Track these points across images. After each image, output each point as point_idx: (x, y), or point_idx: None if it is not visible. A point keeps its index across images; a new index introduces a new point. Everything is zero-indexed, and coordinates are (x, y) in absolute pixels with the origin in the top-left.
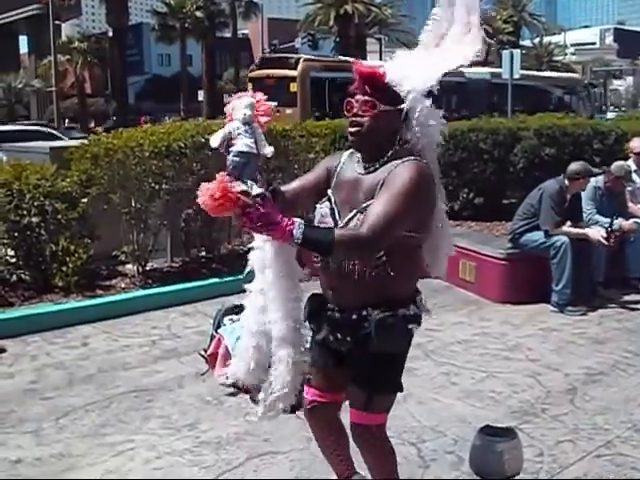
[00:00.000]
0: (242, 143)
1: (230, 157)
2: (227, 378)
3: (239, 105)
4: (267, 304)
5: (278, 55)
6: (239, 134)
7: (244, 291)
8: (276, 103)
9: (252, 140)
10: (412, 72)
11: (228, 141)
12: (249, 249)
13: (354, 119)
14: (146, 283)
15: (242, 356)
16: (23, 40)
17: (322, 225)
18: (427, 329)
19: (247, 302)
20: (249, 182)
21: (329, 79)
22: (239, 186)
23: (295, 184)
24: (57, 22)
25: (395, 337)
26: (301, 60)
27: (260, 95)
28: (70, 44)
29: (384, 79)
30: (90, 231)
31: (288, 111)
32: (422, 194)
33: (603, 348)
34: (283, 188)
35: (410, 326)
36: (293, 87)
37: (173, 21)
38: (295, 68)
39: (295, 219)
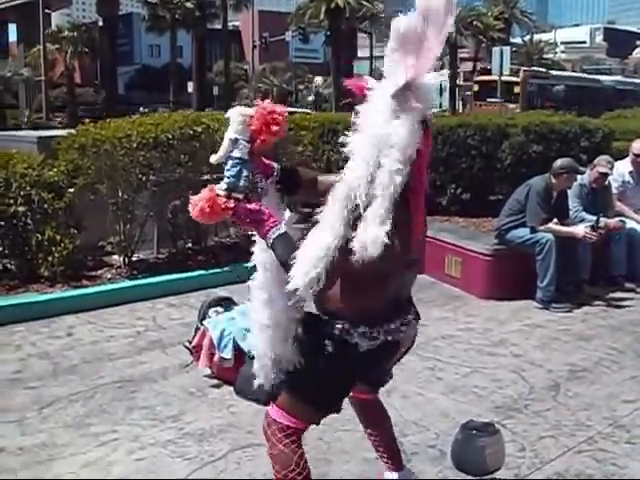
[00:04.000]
0: (236, 151)
1: (226, 166)
2: (212, 373)
3: (233, 117)
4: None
5: None
6: (234, 144)
7: (230, 283)
8: (503, 99)
9: (244, 148)
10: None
11: (229, 154)
12: (235, 242)
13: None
14: (132, 274)
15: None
16: (12, 28)
17: None
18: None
19: (252, 296)
20: (222, 183)
21: (537, 84)
22: (224, 197)
23: (324, 178)
24: (47, 11)
25: (304, 342)
26: (522, 70)
27: (271, 106)
28: (60, 33)
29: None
30: (76, 221)
31: (511, 106)
32: None
33: (587, 345)
34: (320, 177)
35: (326, 342)
36: (516, 89)
37: (164, 11)
38: (517, 76)
39: (282, 225)
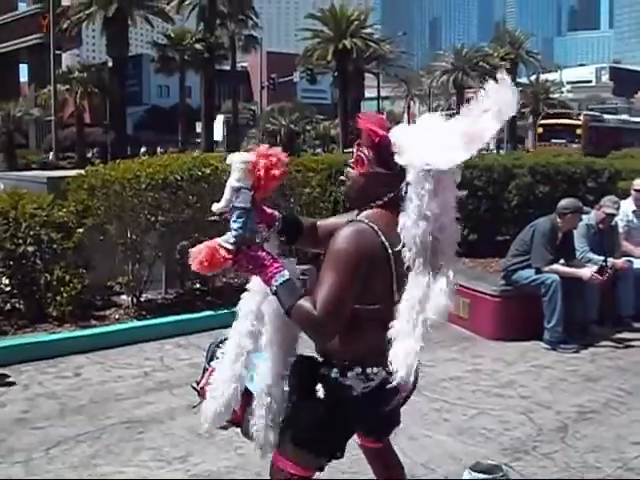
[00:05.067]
0: (238, 200)
1: (231, 217)
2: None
3: (234, 165)
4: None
5: (561, 111)
6: (237, 192)
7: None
8: (564, 140)
9: (247, 196)
10: (417, 146)
11: (231, 203)
12: (243, 283)
13: (346, 168)
14: (140, 314)
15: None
16: (23, 69)
17: None
18: (419, 365)
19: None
20: (228, 235)
21: (596, 127)
22: (222, 249)
23: (322, 223)
24: (58, 52)
25: (297, 387)
26: (583, 114)
27: (271, 150)
28: (70, 74)
29: (383, 141)
30: (85, 261)
31: (574, 146)
32: (351, 267)
33: (595, 386)
34: (319, 223)
35: (317, 386)
36: (578, 131)
37: (173, 53)
38: (578, 119)
39: (286, 271)
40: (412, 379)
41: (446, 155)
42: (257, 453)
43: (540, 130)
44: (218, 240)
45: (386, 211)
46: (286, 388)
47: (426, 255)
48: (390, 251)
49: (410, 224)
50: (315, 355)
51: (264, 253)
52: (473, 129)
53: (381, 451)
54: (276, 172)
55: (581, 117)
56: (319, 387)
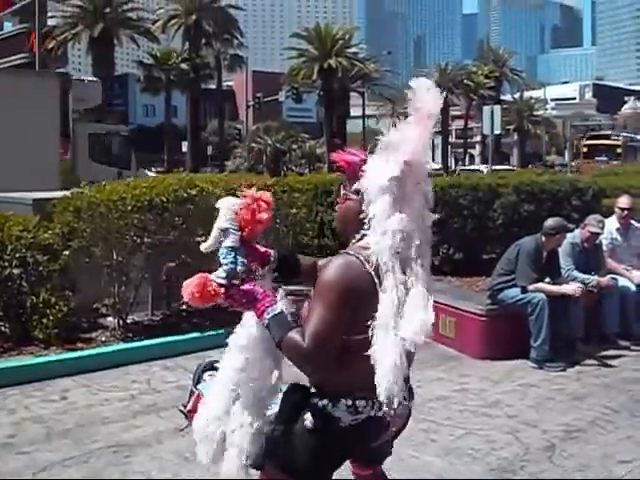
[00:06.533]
0: (228, 240)
1: (220, 255)
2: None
3: (222, 209)
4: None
5: (603, 133)
6: (224, 233)
7: (225, 346)
8: (606, 158)
9: (234, 236)
10: (374, 167)
11: (219, 242)
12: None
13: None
14: (127, 336)
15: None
16: None
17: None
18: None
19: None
20: (220, 270)
21: (633, 146)
22: (214, 282)
23: (322, 262)
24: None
25: (283, 411)
26: (621, 136)
27: (258, 194)
28: None
29: (353, 169)
30: (71, 283)
31: (614, 162)
32: (339, 299)
33: (582, 404)
34: (320, 263)
35: (305, 415)
36: (618, 150)
37: (159, 72)
38: (618, 139)
39: (278, 304)
40: (396, 403)
41: (384, 170)
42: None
43: (585, 149)
44: (210, 276)
45: (362, 241)
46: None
47: (394, 271)
48: (377, 280)
49: (373, 240)
50: (307, 385)
51: (256, 287)
52: (392, 138)
53: (375, 478)
54: (262, 216)
55: (620, 138)
56: (307, 416)
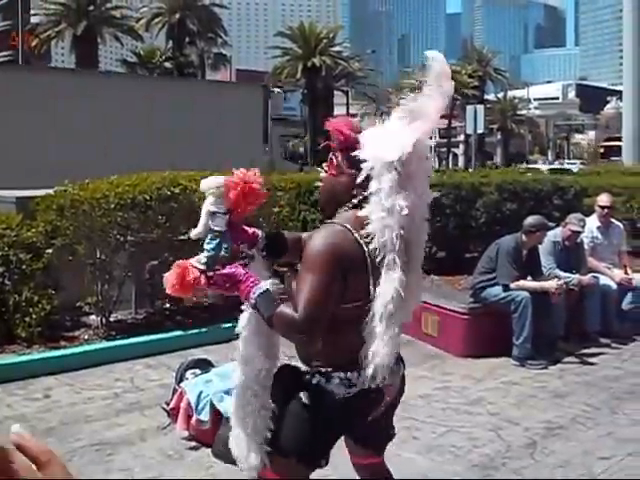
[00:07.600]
0: (213, 223)
1: (205, 239)
2: (190, 436)
3: (208, 190)
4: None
5: (618, 135)
6: (212, 217)
7: (208, 344)
8: (620, 158)
9: (222, 220)
10: (375, 142)
11: (209, 228)
12: (213, 303)
13: (321, 172)
14: (110, 335)
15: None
16: None
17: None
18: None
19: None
20: (201, 256)
21: None
22: (192, 272)
23: (307, 235)
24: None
25: (277, 391)
26: None
27: (247, 173)
28: None
29: (349, 141)
30: (54, 282)
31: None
32: (329, 265)
33: (563, 402)
34: (304, 236)
35: (301, 394)
36: None
37: (142, 71)
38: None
39: (263, 283)
40: (380, 378)
41: (395, 144)
42: (244, 474)
43: (602, 150)
44: (191, 261)
45: (359, 213)
46: (258, 405)
47: (397, 250)
48: (365, 248)
49: (375, 217)
50: (298, 365)
51: (238, 270)
52: (414, 107)
53: (377, 468)
54: (252, 197)
55: None
56: (302, 394)
